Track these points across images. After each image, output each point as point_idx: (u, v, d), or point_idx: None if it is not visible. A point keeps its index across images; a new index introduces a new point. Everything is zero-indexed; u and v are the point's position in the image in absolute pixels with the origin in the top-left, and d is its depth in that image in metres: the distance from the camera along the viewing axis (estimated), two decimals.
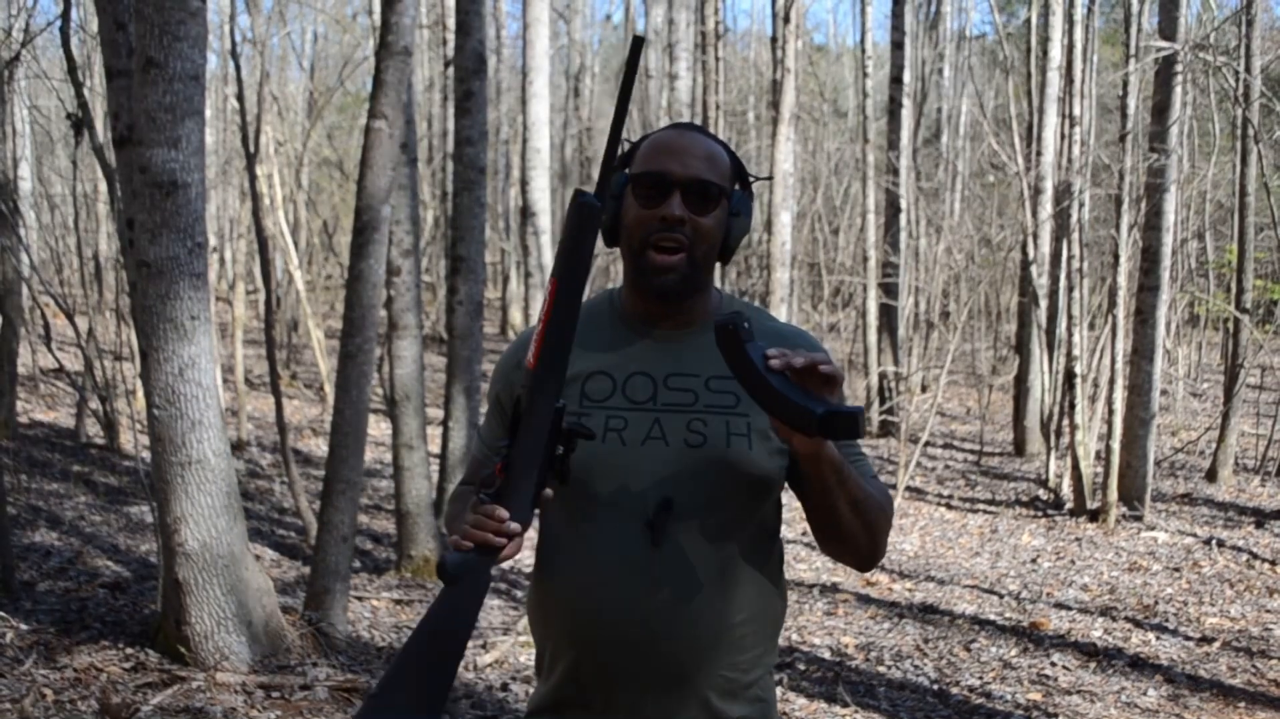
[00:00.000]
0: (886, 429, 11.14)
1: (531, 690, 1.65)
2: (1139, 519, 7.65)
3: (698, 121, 10.52)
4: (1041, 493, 8.60)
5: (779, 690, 4.33)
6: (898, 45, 11.87)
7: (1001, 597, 5.95)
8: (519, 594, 5.66)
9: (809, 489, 1.47)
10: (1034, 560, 6.77)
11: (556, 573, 1.53)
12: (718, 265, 1.59)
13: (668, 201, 1.47)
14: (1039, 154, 9.66)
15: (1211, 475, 9.11)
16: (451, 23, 8.13)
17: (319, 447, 9.10)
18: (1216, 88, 12.75)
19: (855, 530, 1.48)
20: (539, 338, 1.36)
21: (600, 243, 1.51)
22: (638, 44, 1.31)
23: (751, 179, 1.59)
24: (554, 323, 1.34)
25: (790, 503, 1.71)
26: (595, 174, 17.77)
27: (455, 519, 1.61)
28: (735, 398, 1.50)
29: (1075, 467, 7.88)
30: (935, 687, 4.50)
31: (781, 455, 1.52)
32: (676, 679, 1.48)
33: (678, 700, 1.49)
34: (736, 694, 1.52)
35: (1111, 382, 7.85)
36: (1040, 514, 8.03)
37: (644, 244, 1.49)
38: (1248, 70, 9.01)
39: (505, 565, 5.82)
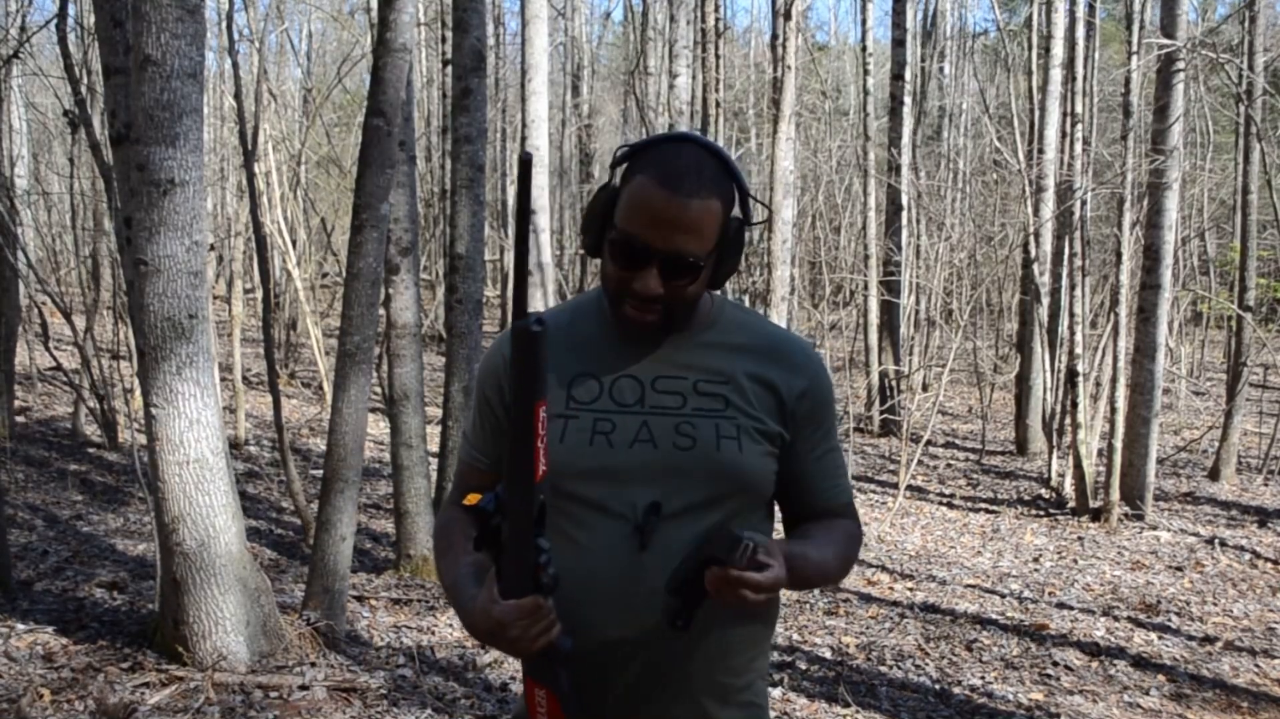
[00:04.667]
0: (887, 428, 11.11)
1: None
2: (1141, 518, 7.63)
3: (697, 121, 10.47)
4: (1044, 492, 8.58)
5: (780, 691, 4.30)
6: (899, 43, 11.85)
7: (1003, 596, 5.93)
8: None
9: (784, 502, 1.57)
10: (1036, 560, 6.75)
11: None
12: None
13: (644, 272, 1.41)
14: (1041, 152, 9.63)
15: (1214, 474, 9.09)
16: (450, 19, 8.10)
17: (317, 445, 9.07)
18: (1218, 85, 12.72)
19: (820, 586, 1.56)
20: (545, 451, 1.30)
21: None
22: (525, 164, 1.26)
23: (754, 207, 1.50)
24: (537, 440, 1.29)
25: None
26: (594, 171, 17.76)
27: (444, 565, 1.57)
28: (724, 400, 1.48)
29: (1077, 465, 7.86)
30: (937, 687, 4.48)
31: (771, 458, 1.50)
32: (668, 683, 1.47)
33: (670, 704, 1.48)
34: (728, 698, 1.51)
35: (1113, 380, 7.83)
36: (1042, 513, 8.01)
37: (620, 298, 1.45)
38: (1250, 67, 8.98)
39: None
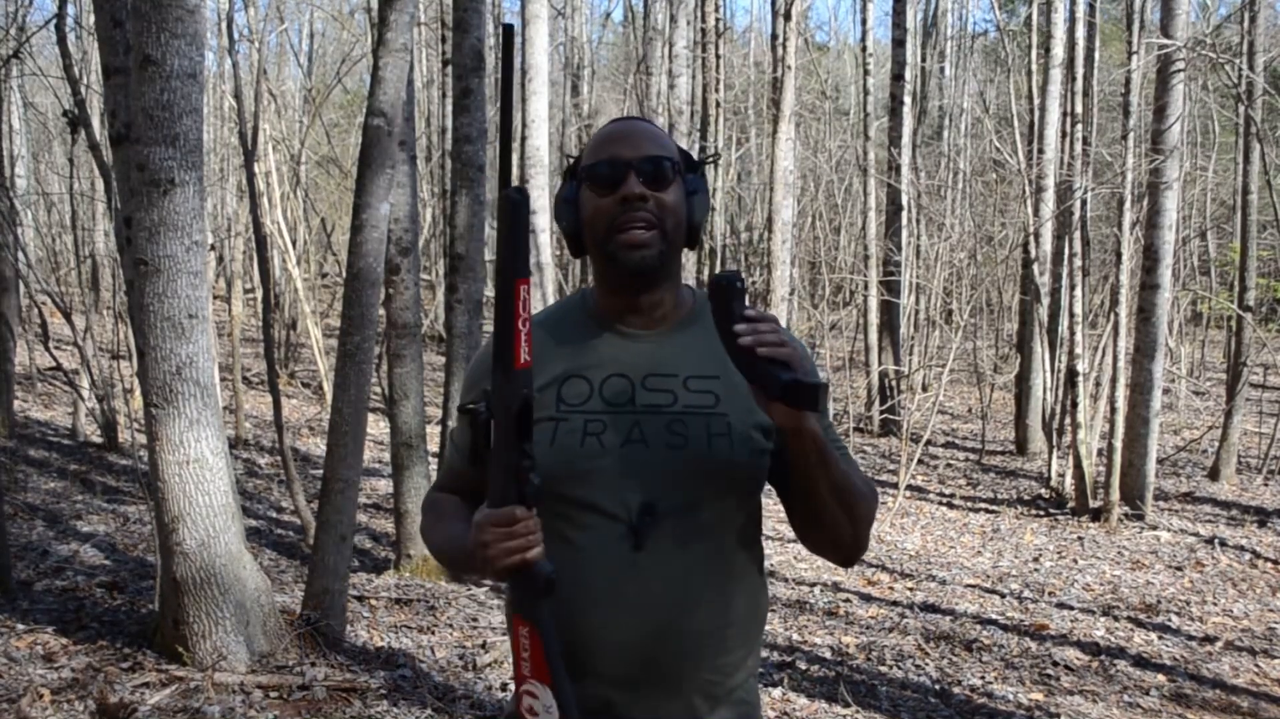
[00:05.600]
0: (888, 428, 11.11)
1: None
2: (1141, 518, 7.63)
3: (697, 121, 10.50)
4: (1043, 492, 8.58)
5: (780, 691, 4.30)
6: (899, 43, 11.85)
7: (1003, 596, 5.93)
8: None
9: (791, 470, 1.43)
10: (1036, 559, 6.75)
11: None
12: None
13: (625, 183, 1.45)
14: (1040, 152, 9.63)
15: (1214, 474, 9.09)
16: (450, 19, 8.09)
17: (317, 446, 9.07)
18: (1218, 85, 12.72)
19: (837, 518, 1.44)
20: (528, 336, 1.29)
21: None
22: (508, 33, 1.26)
23: (700, 159, 1.58)
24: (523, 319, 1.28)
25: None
26: None
27: (434, 530, 1.57)
28: (714, 398, 1.48)
29: (1077, 465, 7.86)
30: (937, 686, 4.48)
31: (763, 455, 1.49)
32: (661, 683, 1.47)
33: (662, 703, 1.47)
34: (720, 698, 1.51)
35: (1113, 380, 7.83)
36: (1042, 513, 8.01)
37: (610, 229, 1.46)
38: (1250, 67, 8.99)
39: None
